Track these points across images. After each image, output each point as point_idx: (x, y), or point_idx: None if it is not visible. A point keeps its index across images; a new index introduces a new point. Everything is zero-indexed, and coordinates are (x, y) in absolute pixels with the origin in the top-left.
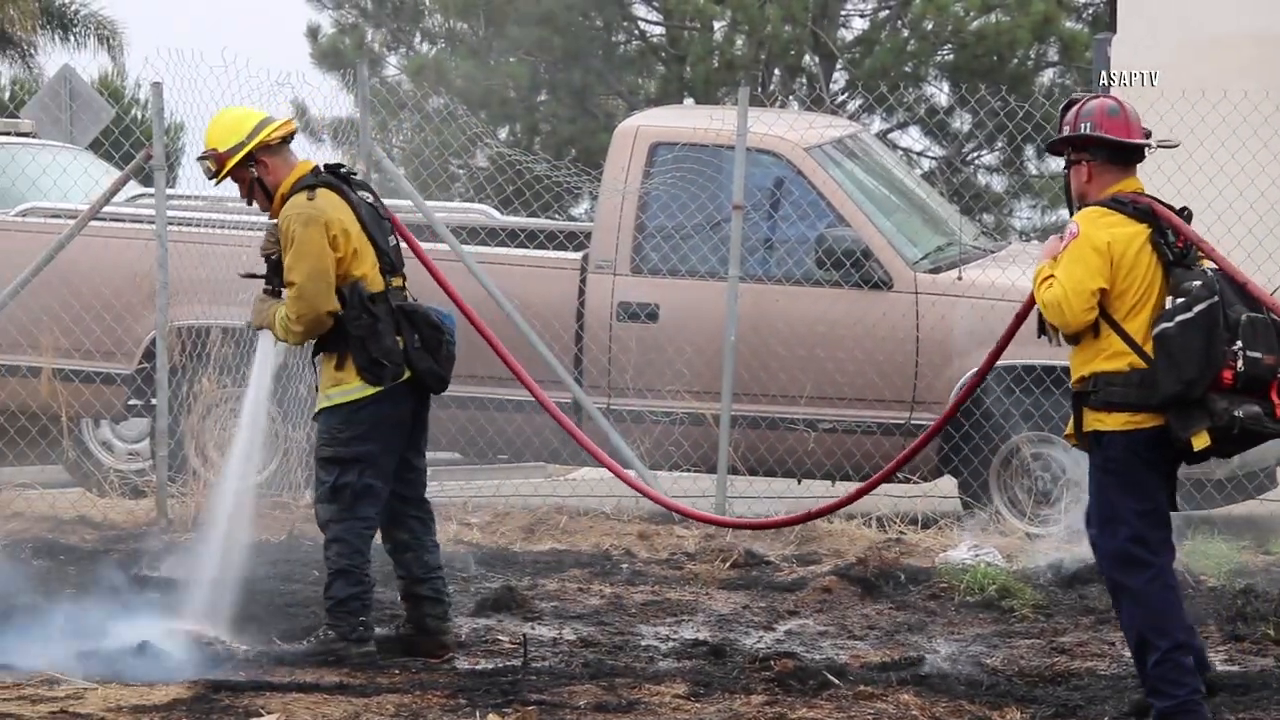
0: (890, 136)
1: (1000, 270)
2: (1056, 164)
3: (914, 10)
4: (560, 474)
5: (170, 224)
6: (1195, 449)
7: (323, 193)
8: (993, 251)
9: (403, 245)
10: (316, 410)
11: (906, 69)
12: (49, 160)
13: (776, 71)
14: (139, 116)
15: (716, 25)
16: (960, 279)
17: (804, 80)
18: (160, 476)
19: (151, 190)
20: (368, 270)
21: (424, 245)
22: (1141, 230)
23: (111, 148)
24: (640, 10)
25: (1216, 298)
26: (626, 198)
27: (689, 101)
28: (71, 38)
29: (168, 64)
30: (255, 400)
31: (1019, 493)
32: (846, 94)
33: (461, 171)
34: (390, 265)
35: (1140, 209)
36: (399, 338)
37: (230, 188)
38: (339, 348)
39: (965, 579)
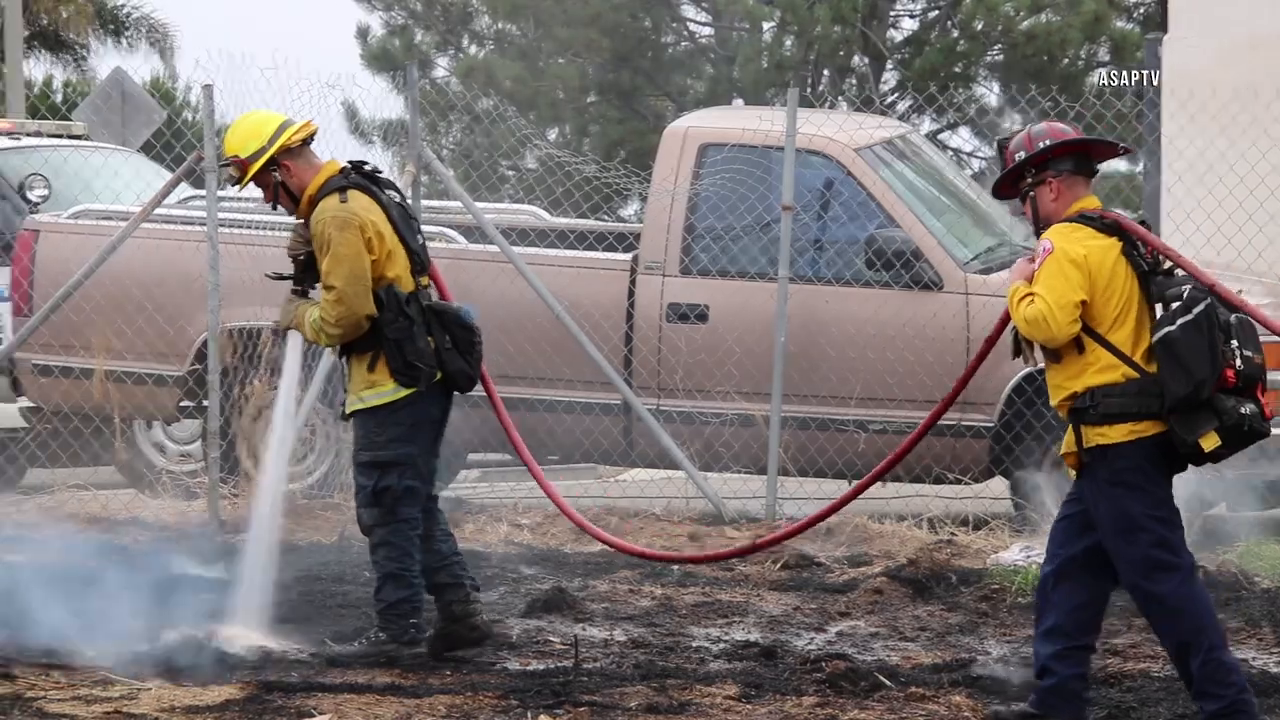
0: (940, 137)
1: None
2: (1109, 164)
3: (964, 10)
4: (611, 475)
5: (221, 226)
6: (1206, 450)
7: (354, 194)
8: None
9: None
10: (349, 411)
11: (956, 69)
12: (101, 162)
13: (826, 72)
14: (190, 119)
15: (765, 26)
16: None
17: (853, 81)
18: (212, 478)
19: (203, 192)
20: (400, 271)
21: (475, 247)
22: (1114, 243)
23: (163, 150)
24: (689, 11)
25: (1210, 298)
26: (676, 199)
27: (738, 102)
28: (123, 41)
29: (218, 67)
30: (286, 401)
31: None
32: (896, 94)
33: (511, 173)
34: (420, 265)
35: (1108, 223)
36: (430, 338)
37: None
38: (370, 349)
39: (1017, 580)
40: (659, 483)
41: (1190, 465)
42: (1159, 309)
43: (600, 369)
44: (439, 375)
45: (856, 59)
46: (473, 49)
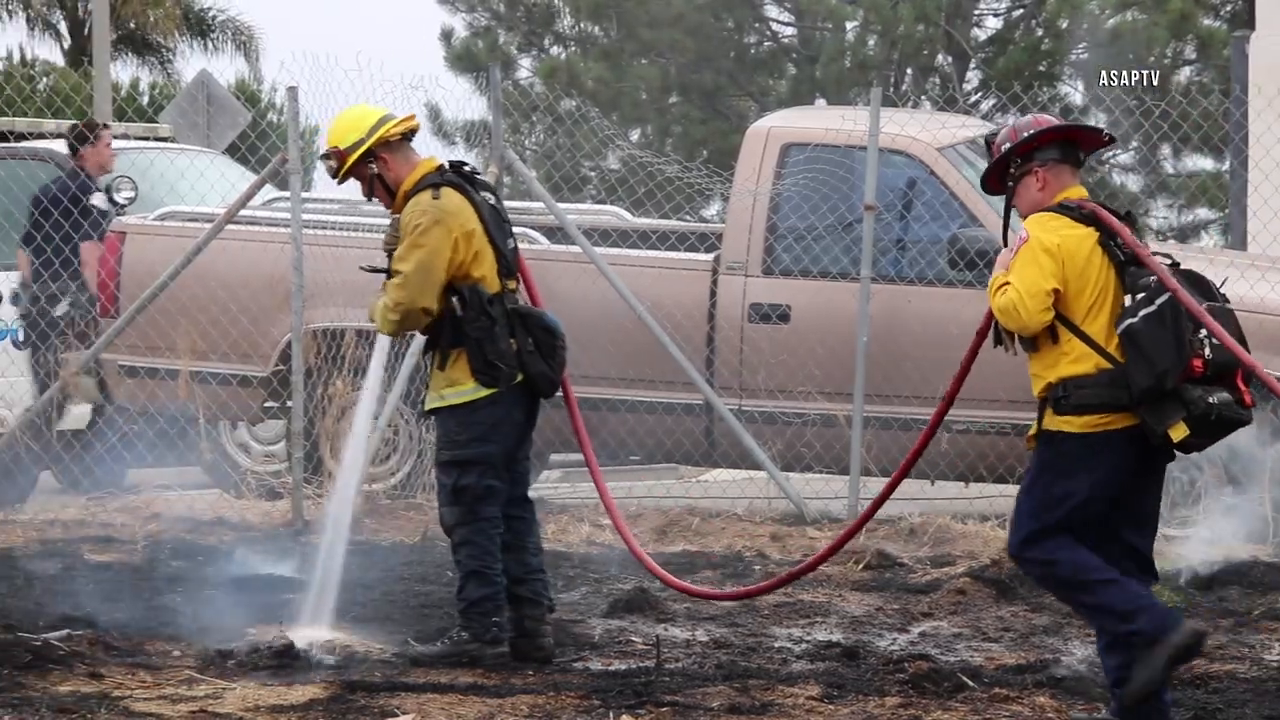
0: None
1: None
2: (1193, 163)
3: (1048, 9)
4: (692, 475)
5: (305, 227)
6: (1174, 440)
7: (447, 192)
8: None
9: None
10: (428, 408)
11: (1040, 68)
12: (187, 164)
13: (909, 71)
14: (275, 120)
15: (848, 25)
16: None
17: (937, 80)
18: (296, 478)
19: (287, 194)
20: (486, 272)
21: (557, 247)
22: (1090, 233)
23: (248, 151)
24: (772, 11)
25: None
26: (758, 199)
27: (821, 102)
28: (209, 43)
29: (303, 68)
30: (367, 403)
31: None
32: (980, 94)
33: (593, 173)
34: (507, 268)
35: (1085, 214)
36: (513, 340)
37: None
38: (451, 346)
39: None
40: (740, 483)
41: (1177, 455)
42: (1128, 299)
43: (682, 369)
44: (520, 377)
45: (940, 58)
46: (555, 50)
